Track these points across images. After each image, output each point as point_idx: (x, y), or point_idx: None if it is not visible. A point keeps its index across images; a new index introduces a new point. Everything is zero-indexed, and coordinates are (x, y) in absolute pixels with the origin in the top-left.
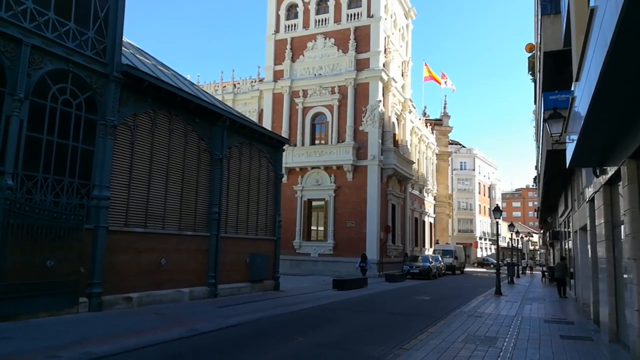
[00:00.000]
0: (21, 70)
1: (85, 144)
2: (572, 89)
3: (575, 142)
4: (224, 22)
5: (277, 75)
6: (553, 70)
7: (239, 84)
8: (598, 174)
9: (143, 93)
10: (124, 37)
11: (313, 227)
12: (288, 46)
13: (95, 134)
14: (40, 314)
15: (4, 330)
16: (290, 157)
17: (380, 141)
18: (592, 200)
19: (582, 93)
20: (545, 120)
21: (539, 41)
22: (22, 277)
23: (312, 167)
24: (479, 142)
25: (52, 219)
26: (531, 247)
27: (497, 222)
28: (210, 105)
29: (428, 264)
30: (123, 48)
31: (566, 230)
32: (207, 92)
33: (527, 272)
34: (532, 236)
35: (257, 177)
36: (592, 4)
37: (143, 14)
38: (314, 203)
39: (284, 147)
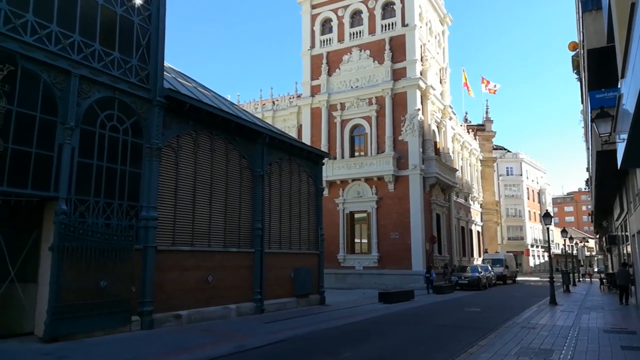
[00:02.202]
0: (71, 100)
1: (133, 167)
2: (619, 86)
3: (625, 141)
4: (261, 42)
5: (315, 90)
6: (598, 68)
7: (277, 101)
8: None
9: (185, 115)
10: (165, 62)
11: (357, 240)
12: (324, 60)
13: (141, 157)
14: (96, 333)
15: (61, 349)
16: (331, 170)
17: (420, 150)
18: None
19: (629, 90)
20: (592, 120)
21: (581, 39)
22: (78, 298)
23: (353, 180)
24: (526, 146)
25: (104, 240)
26: (587, 253)
27: (547, 228)
28: (249, 124)
29: (477, 274)
30: (165, 73)
31: (623, 234)
32: (246, 111)
33: (586, 279)
34: (587, 242)
35: (298, 192)
36: None
37: (184, 39)
38: (356, 215)
39: (324, 161)
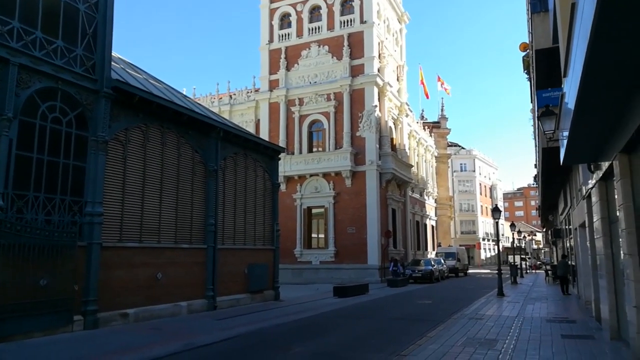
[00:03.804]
0: (9, 90)
1: (77, 161)
2: (562, 85)
3: (567, 138)
4: (218, 35)
5: (273, 85)
6: (546, 68)
7: (235, 95)
8: (592, 169)
9: (134, 108)
10: (115, 52)
11: (314, 235)
12: (282, 55)
13: (86, 150)
14: (35, 334)
15: None
16: (289, 166)
17: (377, 146)
18: (588, 196)
19: (570, 88)
20: (538, 118)
21: (531, 40)
22: (16, 297)
23: (311, 175)
24: (479, 143)
25: (44, 237)
26: (535, 246)
27: (496, 223)
28: (202, 117)
29: (430, 267)
30: (114, 63)
31: (567, 227)
32: (200, 104)
33: (531, 271)
34: (535, 235)
35: (254, 187)
36: None
37: (137, 30)
38: (313, 210)
39: (280, 156)
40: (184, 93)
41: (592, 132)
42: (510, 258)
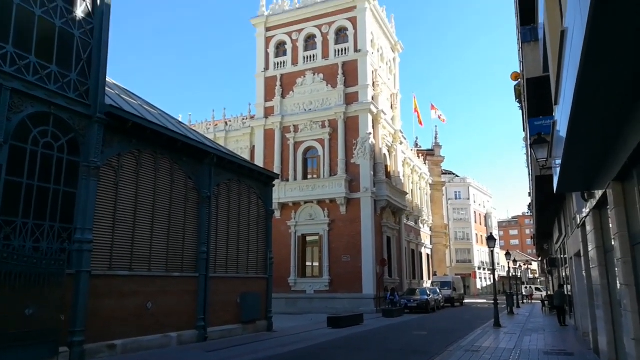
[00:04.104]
0: (0, 115)
1: (68, 187)
2: (554, 113)
3: (559, 166)
4: (214, 62)
5: (268, 112)
6: (537, 97)
7: (230, 121)
8: (586, 198)
9: (127, 133)
10: (110, 78)
11: (308, 263)
12: (278, 83)
13: (77, 176)
14: None
15: None
16: (283, 192)
17: (372, 173)
18: (583, 225)
19: (562, 116)
20: (531, 146)
21: (522, 69)
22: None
23: (305, 202)
24: (473, 171)
25: (31, 265)
26: (530, 276)
27: (491, 251)
28: (196, 143)
29: (426, 297)
30: (108, 89)
31: (562, 257)
32: (195, 131)
33: (527, 301)
34: (531, 264)
35: (247, 214)
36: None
37: (133, 57)
38: (308, 238)
39: (274, 183)
40: (180, 119)
41: (585, 160)
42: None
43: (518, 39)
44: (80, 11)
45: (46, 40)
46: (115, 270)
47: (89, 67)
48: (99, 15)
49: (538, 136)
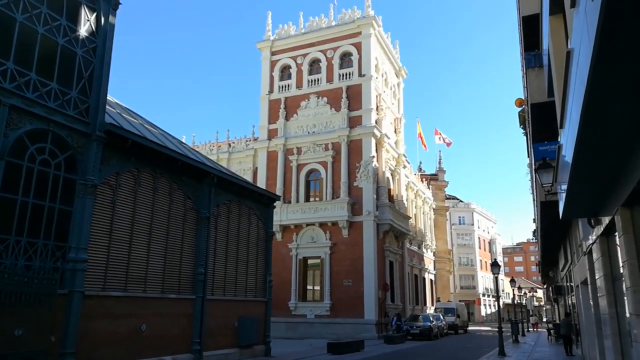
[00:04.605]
0: None
1: (63, 204)
2: (559, 137)
3: (565, 191)
4: (219, 85)
5: (272, 134)
6: (541, 122)
7: (233, 143)
8: (593, 224)
9: (127, 152)
10: (112, 97)
11: (309, 287)
12: (282, 105)
13: (74, 193)
14: None
15: None
16: (285, 214)
17: (375, 196)
18: (589, 252)
19: (567, 140)
20: (536, 171)
21: (526, 94)
22: None
23: (307, 224)
24: (477, 197)
25: (22, 284)
26: (536, 303)
27: (496, 278)
28: (196, 163)
29: (429, 324)
30: (109, 108)
31: (568, 284)
32: (196, 151)
33: (534, 329)
34: (536, 292)
35: (247, 236)
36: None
37: (138, 79)
38: (309, 261)
39: (277, 205)
40: (183, 140)
41: (592, 185)
42: (512, 315)
43: (522, 65)
44: (83, 30)
45: (48, 57)
46: (109, 291)
47: (90, 85)
48: (102, 35)
49: (543, 161)
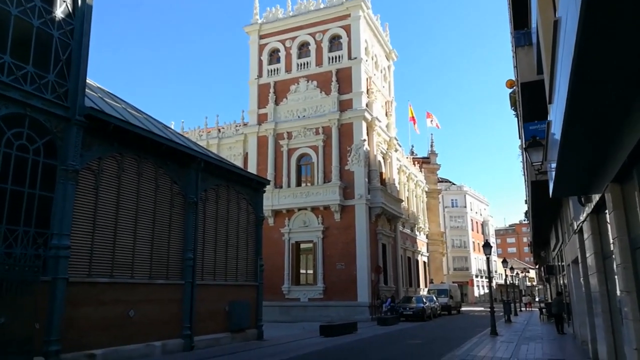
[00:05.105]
0: None
1: (44, 191)
2: (548, 114)
3: (555, 170)
4: (207, 69)
5: (261, 119)
6: (531, 102)
7: (223, 128)
8: (583, 202)
9: (109, 136)
10: (93, 81)
11: (302, 271)
12: (271, 90)
13: (55, 179)
14: None
15: None
16: (277, 199)
17: (366, 180)
18: (580, 230)
19: (556, 115)
20: (525, 149)
21: (516, 74)
22: None
23: (299, 209)
24: (469, 179)
25: (3, 271)
26: (528, 284)
27: (487, 258)
28: (182, 147)
29: (422, 305)
30: (91, 92)
31: (560, 264)
32: (182, 135)
33: (527, 308)
34: (528, 272)
35: (237, 220)
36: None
37: (128, 65)
38: (302, 245)
39: (268, 190)
40: (172, 126)
41: (581, 162)
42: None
43: (512, 44)
44: (59, 12)
45: (22, 40)
46: (95, 277)
47: (68, 68)
48: (80, 16)
49: (533, 139)
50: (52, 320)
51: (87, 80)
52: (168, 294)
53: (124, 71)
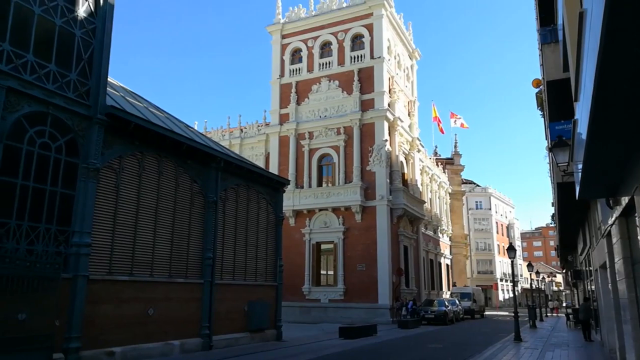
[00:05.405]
0: None
1: (65, 189)
2: (575, 112)
3: (581, 171)
4: (230, 70)
5: (283, 119)
6: (558, 101)
7: (245, 128)
8: (612, 205)
9: (130, 135)
10: (116, 80)
11: (322, 272)
12: (293, 90)
13: (76, 177)
14: None
15: None
16: (298, 200)
17: (388, 181)
18: (608, 234)
19: (582, 112)
20: (550, 150)
21: (542, 72)
22: None
23: (320, 209)
24: (495, 181)
25: (24, 268)
26: (555, 288)
27: (512, 262)
28: (201, 146)
29: (444, 308)
30: (113, 91)
31: (587, 269)
32: (204, 135)
33: (554, 314)
34: (555, 276)
35: (256, 220)
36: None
37: (153, 66)
38: (322, 246)
39: (289, 190)
40: (195, 126)
41: (608, 162)
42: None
43: (538, 42)
44: (82, 11)
45: (45, 39)
46: (115, 275)
47: (90, 67)
48: (102, 16)
49: (558, 139)
50: (73, 317)
51: (109, 80)
52: (187, 292)
53: (146, 72)
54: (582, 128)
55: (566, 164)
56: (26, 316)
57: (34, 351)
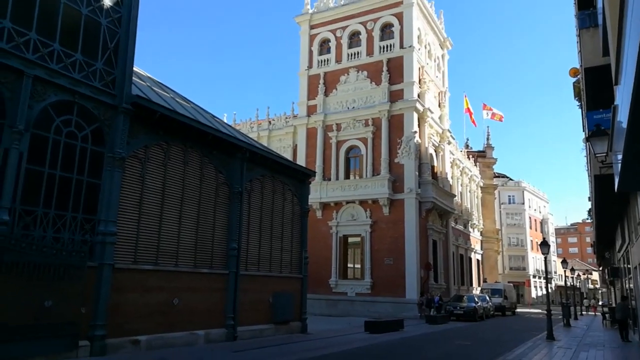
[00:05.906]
0: (22, 102)
1: (91, 177)
2: (615, 97)
3: (621, 161)
4: (260, 61)
5: (311, 110)
6: (595, 88)
7: (273, 120)
8: None
9: (155, 125)
10: (143, 70)
11: (350, 265)
12: (321, 81)
13: (102, 166)
14: (36, 358)
15: None
16: (325, 192)
17: (417, 173)
18: None
19: (623, 98)
20: (587, 139)
21: (580, 59)
22: (17, 319)
23: (347, 202)
24: (528, 175)
25: (51, 256)
26: (591, 286)
27: (545, 258)
28: (227, 137)
29: (473, 305)
30: (139, 80)
31: (625, 266)
32: (228, 125)
33: (590, 312)
34: (591, 274)
35: (281, 211)
36: None
37: (183, 60)
38: (349, 239)
39: (316, 182)
40: (225, 119)
41: None
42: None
43: (576, 27)
44: (107, 0)
45: (71, 28)
46: (140, 264)
47: (116, 56)
48: (127, 4)
49: (596, 127)
50: (98, 305)
51: (137, 69)
52: (212, 283)
53: (176, 65)
54: (623, 115)
55: (604, 154)
56: (52, 303)
57: (60, 338)
